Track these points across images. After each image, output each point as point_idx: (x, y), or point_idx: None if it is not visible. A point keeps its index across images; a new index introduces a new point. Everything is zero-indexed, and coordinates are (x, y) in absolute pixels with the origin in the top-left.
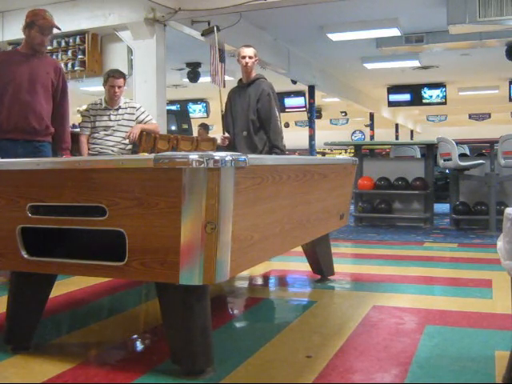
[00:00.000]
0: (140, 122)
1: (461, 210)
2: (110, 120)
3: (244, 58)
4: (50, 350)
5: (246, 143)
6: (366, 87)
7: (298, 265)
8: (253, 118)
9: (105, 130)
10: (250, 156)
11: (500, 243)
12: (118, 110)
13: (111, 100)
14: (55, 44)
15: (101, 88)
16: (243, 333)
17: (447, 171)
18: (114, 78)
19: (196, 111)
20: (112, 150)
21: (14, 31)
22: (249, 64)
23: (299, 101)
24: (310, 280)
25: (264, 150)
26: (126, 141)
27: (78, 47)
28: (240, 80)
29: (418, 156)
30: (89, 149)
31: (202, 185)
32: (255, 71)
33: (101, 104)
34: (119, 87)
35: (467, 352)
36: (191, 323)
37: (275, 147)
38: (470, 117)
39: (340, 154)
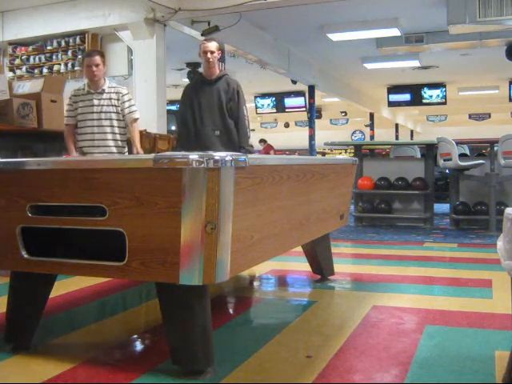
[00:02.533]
0: (122, 111)
1: (461, 210)
2: (94, 105)
3: (206, 53)
4: (50, 349)
5: (222, 143)
6: (366, 87)
7: (297, 265)
8: (230, 116)
9: (91, 127)
10: (250, 156)
11: (500, 243)
12: (101, 93)
13: (92, 82)
14: (55, 44)
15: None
16: (243, 333)
17: (447, 171)
18: (89, 57)
19: None
20: (110, 151)
21: (14, 31)
22: (210, 60)
23: (299, 101)
24: (310, 280)
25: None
26: (117, 136)
27: (78, 47)
28: (201, 75)
29: (418, 156)
30: (84, 153)
31: (202, 185)
32: (218, 66)
33: (83, 89)
34: (96, 65)
35: (467, 352)
36: (191, 323)
37: (242, 148)
38: (470, 117)
39: (340, 154)
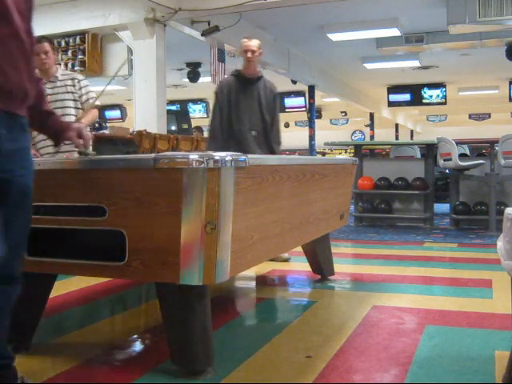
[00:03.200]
0: (80, 98)
1: (461, 210)
2: (48, 94)
3: (246, 52)
4: (50, 349)
5: (258, 144)
6: (366, 87)
7: (298, 265)
8: (268, 119)
9: None
10: (250, 156)
11: (500, 243)
12: (54, 82)
13: (42, 72)
14: (55, 44)
15: (101, 88)
16: (243, 333)
17: (447, 171)
18: (37, 44)
19: (196, 111)
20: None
21: None
22: (251, 59)
23: (299, 101)
24: (310, 280)
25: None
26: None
27: (78, 47)
28: (238, 72)
29: (418, 156)
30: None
31: (202, 185)
32: (258, 65)
33: None
34: (45, 52)
35: (467, 352)
36: (191, 323)
37: (274, 152)
38: (470, 117)
39: (340, 153)
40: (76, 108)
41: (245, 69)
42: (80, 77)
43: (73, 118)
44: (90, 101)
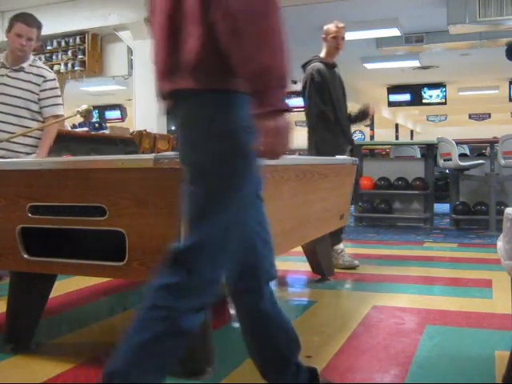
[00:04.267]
0: (40, 101)
1: (461, 210)
2: (4, 84)
3: (338, 38)
4: (50, 350)
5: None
6: (366, 87)
7: (298, 265)
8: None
9: None
10: None
11: (500, 243)
12: (18, 71)
13: (13, 55)
14: (55, 44)
15: (101, 88)
16: None
17: (447, 171)
18: (25, 25)
19: None
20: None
21: None
22: (342, 46)
23: (299, 101)
24: (309, 280)
25: None
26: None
27: (78, 47)
28: (323, 59)
29: (418, 156)
30: None
31: None
32: None
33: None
34: (29, 39)
35: (467, 352)
36: None
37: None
38: (470, 117)
39: None
40: (32, 114)
41: (329, 56)
42: (50, 75)
43: (25, 124)
44: (53, 108)
